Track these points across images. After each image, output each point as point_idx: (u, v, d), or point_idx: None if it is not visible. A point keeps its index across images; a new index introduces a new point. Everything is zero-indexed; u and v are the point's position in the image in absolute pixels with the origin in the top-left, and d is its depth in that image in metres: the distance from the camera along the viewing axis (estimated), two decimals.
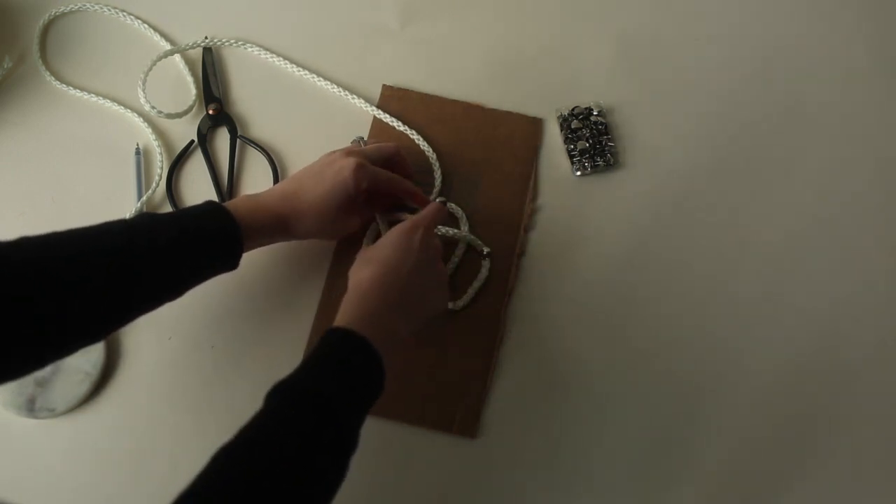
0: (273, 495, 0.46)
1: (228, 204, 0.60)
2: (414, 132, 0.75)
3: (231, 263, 0.60)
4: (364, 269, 0.60)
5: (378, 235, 0.71)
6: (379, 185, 0.65)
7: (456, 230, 0.71)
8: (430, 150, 0.74)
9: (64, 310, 0.51)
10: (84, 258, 0.52)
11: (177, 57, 0.78)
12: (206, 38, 0.79)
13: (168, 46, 0.78)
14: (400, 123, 0.75)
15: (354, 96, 0.76)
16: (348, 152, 0.65)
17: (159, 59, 0.75)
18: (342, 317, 0.57)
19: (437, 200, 0.71)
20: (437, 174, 0.73)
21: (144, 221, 0.57)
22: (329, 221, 0.64)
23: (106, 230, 0.55)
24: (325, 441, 0.50)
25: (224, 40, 0.79)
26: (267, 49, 0.79)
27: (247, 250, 0.61)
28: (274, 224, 0.62)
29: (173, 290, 0.58)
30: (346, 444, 0.51)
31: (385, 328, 0.56)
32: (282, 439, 0.48)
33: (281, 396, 0.51)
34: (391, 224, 0.70)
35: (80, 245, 0.53)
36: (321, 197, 0.63)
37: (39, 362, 0.52)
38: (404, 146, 0.72)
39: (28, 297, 0.49)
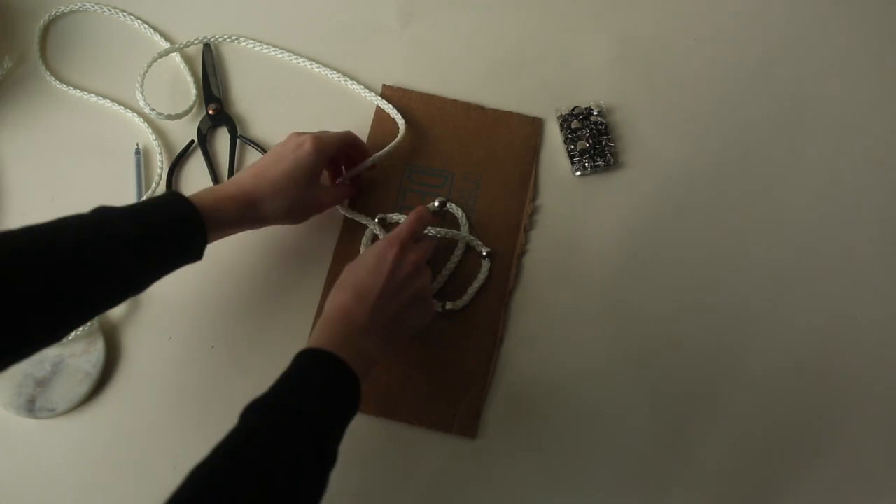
0: None
1: (191, 195, 0.59)
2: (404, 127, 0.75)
3: (194, 254, 0.58)
4: (337, 294, 0.60)
5: (374, 240, 0.71)
6: (338, 153, 0.68)
7: (456, 231, 0.71)
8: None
9: (18, 311, 0.49)
10: (38, 256, 0.50)
11: (176, 57, 0.78)
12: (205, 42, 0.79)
13: (168, 46, 0.78)
14: (400, 116, 0.75)
15: (355, 82, 0.76)
16: (299, 134, 0.65)
17: (157, 58, 0.75)
18: (314, 339, 0.57)
19: (437, 200, 0.72)
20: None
21: (101, 215, 0.55)
22: (297, 198, 0.63)
23: (60, 226, 0.53)
24: (302, 456, 0.49)
25: (222, 36, 0.79)
26: (267, 43, 0.78)
27: (213, 240, 0.59)
28: (240, 208, 0.61)
29: (135, 284, 0.56)
30: (324, 460, 0.51)
31: (353, 351, 0.56)
32: (259, 455, 0.48)
33: (257, 413, 0.50)
34: (386, 228, 0.70)
35: (33, 243, 0.51)
36: (285, 172, 0.62)
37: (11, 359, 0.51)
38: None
39: None
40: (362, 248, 0.71)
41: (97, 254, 0.52)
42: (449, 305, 0.69)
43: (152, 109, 0.72)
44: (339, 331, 0.57)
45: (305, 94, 0.77)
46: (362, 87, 0.76)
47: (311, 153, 0.63)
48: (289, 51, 0.78)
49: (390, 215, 0.72)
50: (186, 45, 0.77)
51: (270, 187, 0.62)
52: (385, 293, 0.60)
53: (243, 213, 0.61)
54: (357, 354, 0.56)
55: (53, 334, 0.53)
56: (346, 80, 0.77)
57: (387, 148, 0.72)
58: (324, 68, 0.77)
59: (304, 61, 0.78)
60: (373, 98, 0.76)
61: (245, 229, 0.63)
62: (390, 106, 0.75)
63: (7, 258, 0.49)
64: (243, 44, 0.79)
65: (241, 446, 0.48)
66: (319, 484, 0.50)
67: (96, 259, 0.52)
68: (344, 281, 0.61)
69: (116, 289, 0.55)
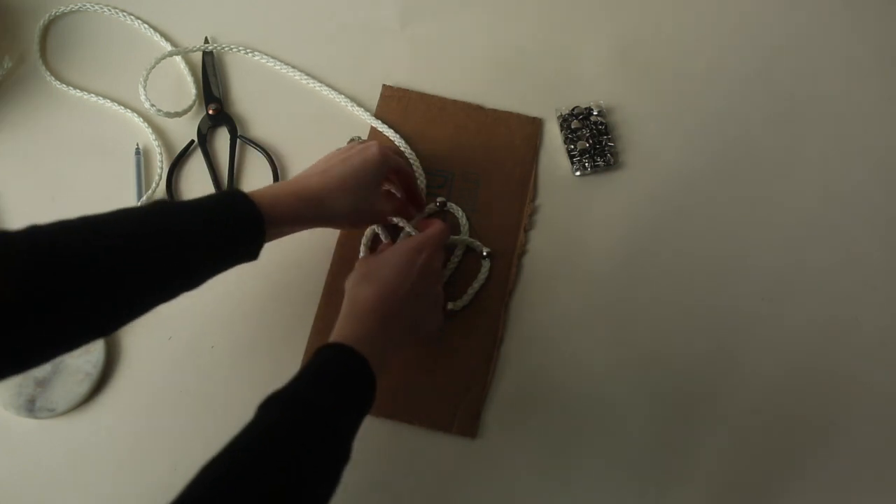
0: None
1: (251, 192, 0.58)
2: (406, 144, 0.75)
3: (252, 251, 0.57)
4: (364, 288, 0.60)
5: (374, 239, 0.71)
6: (399, 173, 0.67)
7: (454, 236, 0.71)
8: (416, 159, 0.74)
9: (75, 300, 0.48)
10: (97, 244, 0.49)
11: (177, 57, 0.78)
12: (206, 39, 0.79)
13: (168, 46, 0.78)
14: (395, 133, 0.75)
15: (353, 104, 0.76)
16: (363, 141, 0.66)
17: (161, 58, 0.75)
18: (340, 332, 0.57)
19: (437, 200, 0.72)
20: (422, 180, 0.73)
21: (159, 207, 0.54)
22: (362, 198, 0.63)
23: (120, 216, 0.52)
24: (319, 452, 0.49)
25: (226, 46, 0.79)
26: (267, 54, 0.78)
27: (271, 239, 0.58)
28: (304, 205, 0.60)
29: (189, 279, 0.55)
30: (339, 456, 0.51)
31: (378, 350, 0.56)
32: (275, 449, 0.48)
33: (275, 407, 0.50)
34: (388, 230, 0.70)
35: (91, 231, 0.50)
36: (353, 170, 0.62)
37: (45, 356, 0.50)
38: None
39: (38, 287, 0.46)
40: (362, 249, 0.71)
41: (158, 245, 0.51)
42: (449, 305, 0.69)
43: (152, 105, 0.72)
44: (367, 325, 0.57)
45: (305, 94, 0.77)
46: (361, 108, 0.76)
47: (377, 156, 0.63)
48: (287, 63, 0.78)
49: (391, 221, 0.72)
50: (192, 50, 0.77)
51: (338, 184, 0.61)
52: (414, 292, 0.60)
53: (306, 210, 0.60)
54: (380, 351, 0.56)
55: (103, 328, 0.52)
56: (344, 101, 0.76)
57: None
58: (323, 86, 0.77)
59: (303, 76, 0.77)
60: (368, 118, 0.76)
61: (303, 228, 0.62)
62: (385, 126, 0.75)
63: (66, 249, 0.48)
64: (247, 55, 0.79)
65: (258, 440, 0.48)
66: (333, 480, 0.50)
67: (157, 250, 0.51)
68: (370, 274, 0.61)
69: (173, 282, 0.54)
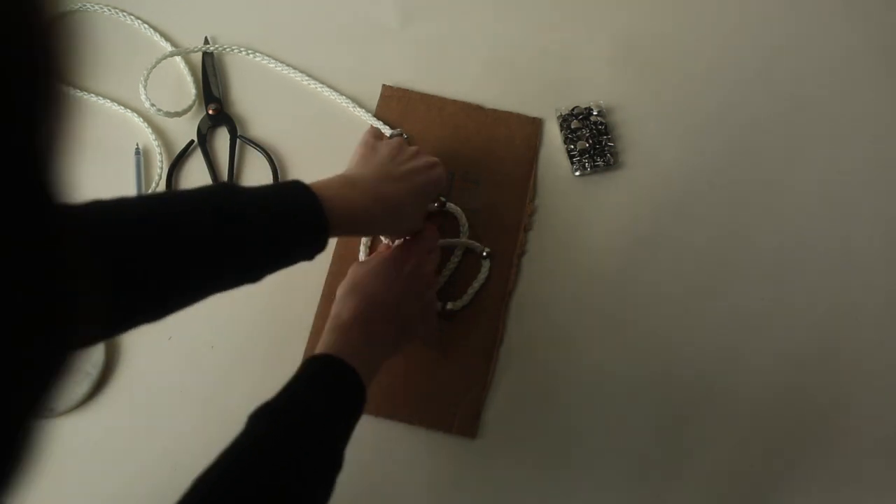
0: None
1: (318, 190, 0.54)
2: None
3: (315, 248, 0.55)
4: (348, 300, 0.60)
5: (372, 243, 0.71)
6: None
7: (453, 239, 0.71)
8: None
9: (139, 284, 0.46)
10: (165, 229, 0.47)
11: (177, 57, 0.78)
12: (206, 39, 0.79)
13: (168, 46, 0.78)
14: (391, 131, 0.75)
15: (353, 104, 0.76)
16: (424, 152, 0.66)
17: (162, 59, 0.75)
18: (323, 346, 0.57)
19: (437, 200, 0.72)
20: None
21: (225, 189, 0.51)
22: (419, 213, 0.64)
23: (187, 197, 0.50)
24: (310, 463, 0.49)
25: (226, 47, 0.78)
26: (267, 55, 0.78)
27: (335, 235, 0.56)
28: (379, 210, 0.58)
29: (254, 271, 0.52)
30: (330, 464, 0.51)
31: (364, 359, 0.56)
32: (266, 461, 0.48)
33: (265, 418, 0.50)
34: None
35: (159, 204, 0.48)
36: (429, 182, 0.63)
37: (103, 334, 0.48)
38: None
39: (106, 259, 0.44)
40: (361, 249, 0.71)
41: (223, 223, 0.49)
42: (449, 305, 0.69)
43: (152, 105, 0.72)
44: (353, 336, 0.57)
45: (305, 94, 0.77)
46: (361, 109, 0.76)
47: (443, 178, 0.65)
48: (290, 65, 0.78)
49: None
50: (193, 51, 0.77)
51: (415, 195, 0.62)
52: (401, 301, 0.60)
53: (383, 216, 0.60)
54: (366, 361, 0.56)
55: (157, 311, 0.49)
56: (345, 101, 0.76)
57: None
58: (323, 86, 0.77)
59: (307, 79, 0.77)
60: (368, 118, 0.76)
61: (367, 234, 0.63)
62: (385, 126, 0.75)
63: (123, 228, 0.47)
64: (247, 55, 0.79)
65: (248, 452, 0.48)
66: (327, 489, 0.50)
67: (222, 228, 0.49)
68: (355, 286, 0.61)
69: (230, 274, 0.51)
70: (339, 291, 0.62)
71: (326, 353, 0.55)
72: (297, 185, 0.54)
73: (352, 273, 0.63)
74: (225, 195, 0.51)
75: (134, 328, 0.48)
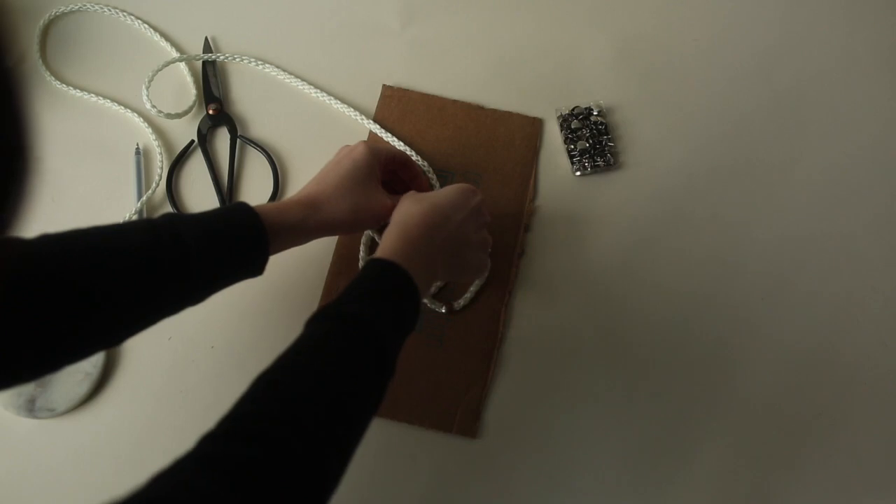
0: (315, 414, 0.46)
1: (256, 206, 0.58)
2: (406, 147, 0.75)
3: (257, 265, 0.58)
4: (414, 206, 0.60)
5: (372, 243, 0.71)
6: (395, 160, 0.68)
7: None
8: (422, 161, 0.74)
9: (84, 310, 0.49)
10: (107, 255, 0.50)
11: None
12: (206, 39, 0.79)
13: (168, 46, 0.78)
14: (394, 137, 0.75)
15: (352, 110, 0.76)
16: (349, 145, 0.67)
17: (168, 63, 0.75)
18: (384, 248, 0.57)
19: None
20: (435, 183, 0.73)
21: (168, 220, 0.54)
22: (361, 197, 0.63)
23: (129, 227, 0.53)
24: (366, 366, 0.50)
25: (229, 55, 0.78)
26: (268, 62, 0.78)
27: (275, 251, 0.59)
28: (303, 211, 0.60)
29: (196, 292, 0.56)
30: (385, 368, 0.51)
31: (424, 265, 0.57)
32: (324, 362, 0.48)
33: (323, 322, 0.51)
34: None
35: (102, 241, 0.51)
36: (346, 172, 0.63)
37: (52, 366, 0.51)
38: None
39: (47, 298, 0.47)
40: (361, 249, 0.71)
41: (160, 257, 0.52)
42: (456, 304, 0.69)
43: (153, 106, 0.72)
44: (413, 242, 0.57)
45: (306, 94, 0.77)
46: (359, 114, 0.76)
47: (364, 152, 0.64)
48: (290, 66, 0.78)
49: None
50: (197, 58, 0.77)
51: (333, 188, 0.62)
52: (466, 223, 0.61)
53: (307, 216, 0.60)
54: (424, 269, 0.57)
55: (111, 340, 0.53)
56: (344, 102, 0.76)
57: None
58: (323, 87, 0.77)
59: (303, 84, 0.77)
60: (366, 123, 0.76)
61: (308, 239, 0.62)
62: (383, 130, 0.75)
63: (68, 258, 0.49)
64: (249, 64, 0.79)
65: (307, 353, 0.49)
66: (379, 393, 0.51)
67: (157, 262, 0.52)
68: (420, 197, 0.61)
69: (177, 296, 0.55)
70: (398, 208, 0.61)
71: (384, 258, 0.55)
72: (236, 206, 0.58)
73: (410, 194, 0.63)
74: (163, 222, 0.54)
75: (91, 354, 0.52)
